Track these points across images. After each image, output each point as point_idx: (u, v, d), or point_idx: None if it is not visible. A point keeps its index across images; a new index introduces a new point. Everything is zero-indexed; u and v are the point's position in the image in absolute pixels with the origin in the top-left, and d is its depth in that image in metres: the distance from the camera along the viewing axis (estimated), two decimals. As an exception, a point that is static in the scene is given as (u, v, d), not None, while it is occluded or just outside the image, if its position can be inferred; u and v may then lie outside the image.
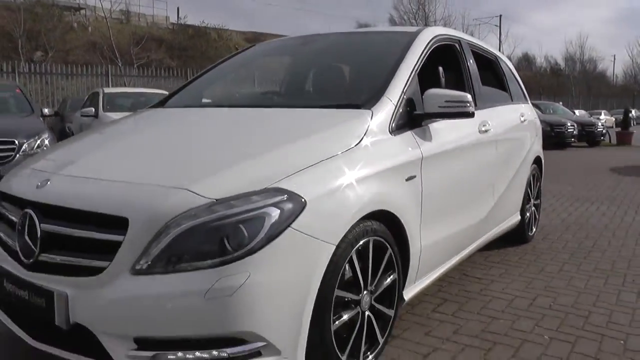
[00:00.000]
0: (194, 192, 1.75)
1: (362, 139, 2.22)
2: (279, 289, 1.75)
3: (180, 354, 1.73)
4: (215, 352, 1.73)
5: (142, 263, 1.71)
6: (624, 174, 9.39)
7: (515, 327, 2.70)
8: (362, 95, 2.56)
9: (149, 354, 1.73)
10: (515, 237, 4.24)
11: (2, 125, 6.29)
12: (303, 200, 1.82)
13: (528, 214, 4.33)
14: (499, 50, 42.86)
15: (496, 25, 45.08)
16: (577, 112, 23.71)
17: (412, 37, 3.02)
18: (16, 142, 5.97)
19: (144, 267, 1.71)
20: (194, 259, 1.70)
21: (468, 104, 2.63)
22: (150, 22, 34.20)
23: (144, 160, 2.15)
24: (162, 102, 3.33)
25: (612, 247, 4.27)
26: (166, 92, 10.42)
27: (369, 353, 2.18)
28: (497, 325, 2.72)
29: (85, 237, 1.80)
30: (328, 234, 1.87)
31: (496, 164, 3.52)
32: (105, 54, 21.89)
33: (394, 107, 2.47)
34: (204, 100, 3.24)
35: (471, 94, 3.14)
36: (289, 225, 1.76)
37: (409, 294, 2.50)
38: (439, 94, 2.61)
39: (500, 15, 45.04)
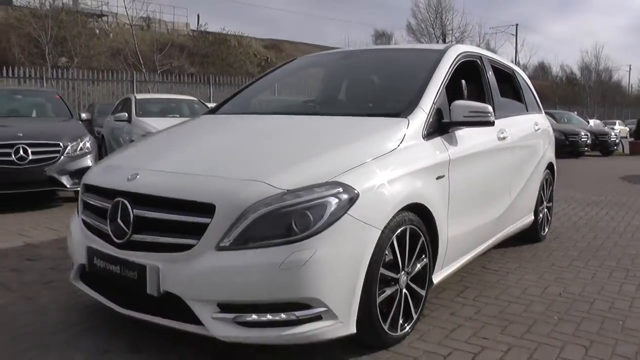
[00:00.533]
0: (268, 184, 2.18)
1: (400, 142, 2.64)
2: (338, 264, 2.16)
3: (255, 316, 2.15)
4: (284, 315, 2.15)
5: (226, 241, 2.14)
6: (634, 182, 9.69)
7: (529, 310, 3.09)
8: (399, 105, 2.98)
9: (231, 316, 2.15)
10: (529, 236, 4.62)
11: (48, 128, 6.80)
12: (356, 192, 2.24)
13: (541, 215, 4.70)
14: (515, 59, 43.13)
15: (512, 35, 45.39)
16: (591, 121, 23.90)
17: (441, 54, 3.43)
18: (61, 144, 6.42)
19: (227, 245, 2.14)
20: (269, 237, 2.12)
21: (489, 114, 3.04)
22: (171, 28, 34.96)
23: (220, 158, 2.58)
24: (215, 110, 3.77)
25: (617, 247, 4.63)
26: (194, 99, 10.90)
27: (405, 325, 2.59)
28: (512, 308, 3.11)
29: (176, 220, 2.23)
30: (375, 220, 2.28)
31: (512, 168, 3.91)
32: (128, 60, 22.51)
33: (426, 116, 2.89)
34: (257, 108, 3.68)
35: (491, 105, 3.53)
36: (345, 212, 2.18)
37: (437, 278, 2.90)
38: (464, 105, 3.02)
39: (517, 25, 45.37)
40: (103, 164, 2.93)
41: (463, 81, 3.46)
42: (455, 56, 3.45)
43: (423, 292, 2.72)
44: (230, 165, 2.44)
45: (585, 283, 3.61)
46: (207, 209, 2.16)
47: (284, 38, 39.19)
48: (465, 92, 3.45)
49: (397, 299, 2.52)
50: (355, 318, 2.26)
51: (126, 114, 9.49)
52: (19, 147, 6.01)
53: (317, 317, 2.17)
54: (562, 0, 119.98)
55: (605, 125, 24.11)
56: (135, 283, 2.29)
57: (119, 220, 2.37)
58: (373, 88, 3.53)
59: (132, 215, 2.32)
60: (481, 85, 3.82)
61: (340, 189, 2.22)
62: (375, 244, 2.28)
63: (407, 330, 2.60)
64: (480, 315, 2.98)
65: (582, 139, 16.20)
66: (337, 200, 2.19)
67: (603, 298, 3.31)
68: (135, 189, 2.38)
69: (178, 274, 2.19)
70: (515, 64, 44.41)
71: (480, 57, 3.89)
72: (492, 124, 3.09)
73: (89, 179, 2.78)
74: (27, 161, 6.03)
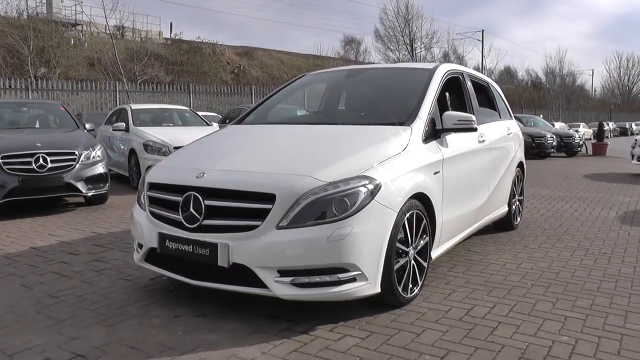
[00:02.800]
0: (315, 178, 2.86)
1: (407, 145, 3.35)
2: (368, 238, 2.85)
3: (306, 278, 2.82)
4: (328, 277, 2.82)
5: (284, 222, 2.80)
6: (595, 180, 10.66)
7: (508, 279, 3.83)
8: (403, 116, 3.69)
9: (288, 279, 2.81)
10: (504, 224, 5.39)
11: (63, 138, 7.31)
12: (379, 183, 2.93)
13: (514, 207, 5.49)
14: (482, 64, 44.51)
15: (479, 40, 46.93)
16: (556, 124, 25.10)
17: (431, 72, 4.16)
18: (76, 153, 6.93)
19: (284, 224, 2.80)
20: (317, 218, 2.80)
21: (473, 122, 3.77)
22: (144, 37, 35.12)
23: (270, 159, 3.24)
24: (241, 120, 4.43)
25: (579, 233, 5.44)
26: (186, 108, 11.39)
27: (414, 288, 3.29)
28: (494, 278, 3.84)
29: (242, 207, 2.88)
30: (393, 205, 2.98)
31: (490, 166, 4.66)
32: (108, 69, 22.76)
33: (424, 124, 3.61)
34: (283, 119, 4.34)
35: (472, 113, 4.28)
36: (372, 199, 2.87)
37: (434, 253, 3.62)
38: (453, 115, 3.75)
39: (483, 30, 46.95)
40: (162, 166, 3.56)
41: (447, 94, 4.20)
42: (443, 73, 4.19)
43: (425, 264, 3.42)
44: (282, 164, 3.11)
45: (552, 259, 4.38)
46: (269, 198, 2.83)
47: (254, 45, 39.70)
48: (449, 103, 4.19)
49: (407, 267, 3.21)
50: (380, 280, 2.95)
51: (123, 124, 9.97)
52: (39, 156, 6.53)
53: (353, 279, 2.85)
54: (525, 6, 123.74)
55: (570, 128, 25.40)
56: (207, 258, 2.92)
57: (191, 210, 3.00)
58: (379, 101, 4.25)
59: (203, 205, 2.95)
60: (463, 97, 4.56)
61: (367, 181, 2.91)
62: (393, 223, 2.98)
63: (416, 293, 3.30)
64: (469, 284, 3.70)
65: (548, 141, 17.26)
66: (365, 189, 2.88)
67: (566, 270, 4.08)
68: (204, 184, 3.02)
69: (246, 248, 2.84)
70: (482, 69, 46.04)
71: (462, 73, 4.64)
72: (475, 130, 3.83)
73: (154, 178, 3.40)
74: (46, 169, 6.54)
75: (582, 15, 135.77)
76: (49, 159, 6.58)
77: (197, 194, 2.99)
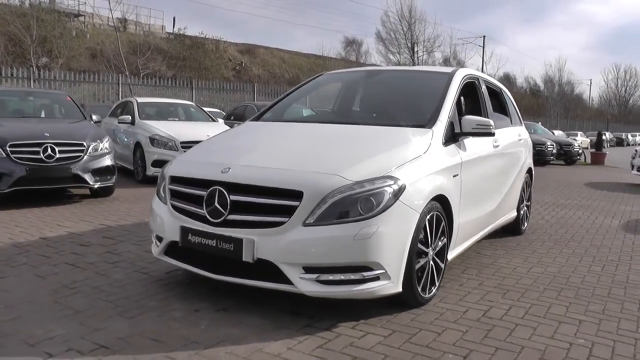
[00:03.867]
0: (342, 177, 2.89)
1: (428, 148, 3.38)
2: (392, 237, 2.89)
3: (331, 276, 2.84)
4: (352, 275, 2.85)
5: (310, 219, 2.83)
6: (596, 188, 10.76)
7: (520, 282, 3.88)
8: (423, 118, 3.73)
9: (314, 276, 2.84)
10: (512, 229, 5.44)
11: (71, 129, 7.30)
12: (404, 184, 2.97)
13: (522, 212, 5.54)
14: (483, 70, 44.58)
15: (480, 46, 47.06)
16: (555, 132, 25.24)
17: (450, 76, 4.21)
18: (85, 144, 6.91)
19: (311, 222, 2.83)
20: (344, 216, 2.83)
21: (491, 127, 3.82)
22: (147, 31, 35.03)
23: (296, 156, 3.25)
24: (259, 117, 4.45)
25: (585, 239, 5.50)
26: (191, 103, 11.39)
27: (432, 288, 3.33)
28: (507, 281, 3.89)
29: (268, 203, 2.90)
30: (416, 206, 3.02)
31: (502, 171, 4.71)
32: (110, 62, 22.71)
33: (444, 128, 3.65)
34: (303, 117, 4.37)
35: (486, 117, 4.31)
36: (397, 199, 2.91)
37: (450, 255, 3.66)
38: (473, 119, 3.79)
39: (484, 36, 47.10)
40: (183, 160, 3.58)
41: (462, 98, 4.24)
42: (462, 78, 4.23)
43: (442, 265, 3.46)
44: (307, 162, 3.13)
45: (561, 265, 4.43)
46: (297, 195, 2.85)
47: (255, 42, 39.66)
48: (464, 108, 4.23)
49: (427, 268, 3.25)
50: (402, 280, 2.98)
51: (129, 117, 9.96)
52: (47, 146, 6.51)
53: (377, 278, 2.89)
54: (527, 14, 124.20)
55: (568, 136, 25.53)
56: (231, 253, 2.94)
57: (216, 204, 3.02)
58: (398, 103, 4.28)
59: (228, 200, 2.98)
60: (478, 101, 4.61)
61: (393, 182, 2.94)
62: (416, 224, 3.01)
63: (434, 293, 3.34)
64: (483, 286, 3.75)
65: (549, 149, 17.35)
66: (391, 190, 2.91)
67: (576, 275, 4.13)
68: (230, 179, 3.04)
69: (271, 245, 2.86)
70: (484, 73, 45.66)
71: (477, 78, 4.68)
72: (493, 134, 3.88)
73: (176, 171, 3.42)
74: (54, 159, 6.51)
75: (581, 25, 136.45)
76: (57, 149, 6.55)
77: (222, 189, 3.02)
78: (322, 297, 2.91)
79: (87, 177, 6.79)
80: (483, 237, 4.63)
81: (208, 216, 3.05)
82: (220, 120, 10.57)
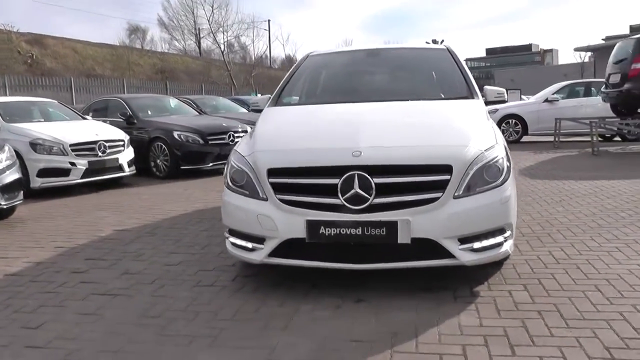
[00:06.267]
0: (476, 148, 3.01)
1: (487, 116, 3.65)
2: (514, 199, 3.12)
3: (478, 244, 2.96)
4: (496, 240, 3.00)
5: (458, 191, 2.90)
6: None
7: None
8: (463, 91, 4.03)
9: (469, 246, 2.92)
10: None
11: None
12: (504, 149, 3.19)
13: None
14: (270, 52, 45.40)
15: (266, 30, 48.16)
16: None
17: (446, 50, 4.55)
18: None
19: (460, 193, 2.91)
20: (483, 184, 2.96)
21: (504, 94, 4.25)
22: None
23: (410, 133, 3.25)
24: (274, 101, 4.24)
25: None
26: (53, 100, 9.59)
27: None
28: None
29: (418, 181, 2.88)
30: (511, 167, 3.22)
31: None
32: None
33: (482, 98, 3.97)
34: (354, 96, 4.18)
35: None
36: (509, 163, 3.15)
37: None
38: (493, 90, 4.19)
39: (269, 20, 48.51)
40: (277, 150, 3.28)
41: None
42: (453, 50, 4.58)
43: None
44: (429, 136, 3.19)
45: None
46: (446, 169, 2.89)
47: (45, 33, 34.96)
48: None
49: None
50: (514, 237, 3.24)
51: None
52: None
53: (509, 236, 3.09)
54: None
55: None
56: (384, 238, 2.84)
57: (357, 190, 2.86)
58: (423, 79, 4.45)
59: (373, 183, 2.86)
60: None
61: (501, 148, 3.15)
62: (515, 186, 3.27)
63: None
64: (522, 236, 4.23)
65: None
66: (503, 154, 3.12)
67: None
68: (371, 162, 2.89)
69: (428, 222, 2.85)
70: (270, 58, 46.98)
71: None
72: (506, 101, 4.33)
73: (276, 163, 3.11)
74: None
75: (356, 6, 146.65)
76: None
77: (363, 173, 2.88)
78: (476, 264, 3.01)
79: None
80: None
81: (347, 204, 2.88)
82: (89, 117, 9.27)
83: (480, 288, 3.13)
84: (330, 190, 2.92)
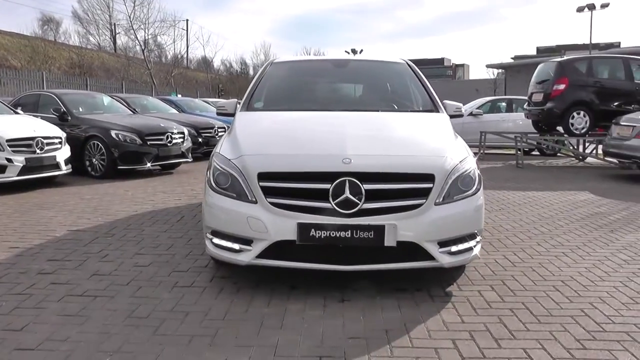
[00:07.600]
0: (453, 158, 3.27)
1: (453, 129, 3.95)
2: (483, 208, 3.40)
3: (455, 247, 3.21)
4: (467, 244, 3.27)
5: (438, 199, 3.14)
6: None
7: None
8: (428, 104, 4.34)
9: (447, 249, 3.17)
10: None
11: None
12: (475, 160, 3.49)
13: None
14: (187, 53, 44.45)
15: (183, 29, 47.13)
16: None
17: (406, 65, 4.84)
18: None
19: (439, 201, 3.15)
20: (459, 192, 3.22)
21: (462, 109, 4.58)
22: None
23: (383, 142, 3.48)
24: (246, 106, 4.30)
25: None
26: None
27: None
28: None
29: (406, 188, 3.09)
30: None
31: None
32: None
33: (444, 111, 4.27)
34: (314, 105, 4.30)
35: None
36: (477, 173, 3.43)
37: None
38: (454, 104, 4.48)
39: (188, 20, 47.58)
40: (266, 154, 3.35)
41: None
42: (413, 65, 4.88)
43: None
44: (411, 146, 3.42)
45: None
46: (429, 178, 3.11)
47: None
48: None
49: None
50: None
51: None
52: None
53: (479, 242, 3.38)
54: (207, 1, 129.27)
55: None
56: (371, 241, 3.01)
57: (348, 195, 3.01)
58: (388, 91, 4.68)
59: (363, 189, 3.02)
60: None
61: (472, 159, 3.45)
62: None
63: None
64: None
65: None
66: (474, 165, 3.41)
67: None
68: (361, 169, 3.05)
69: (413, 226, 3.05)
70: (187, 59, 46.17)
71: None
72: (462, 116, 4.66)
73: (266, 167, 3.18)
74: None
75: (263, 13, 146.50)
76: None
77: (353, 179, 3.03)
78: (454, 266, 3.27)
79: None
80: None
81: (338, 208, 3.03)
82: (20, 112, 8.73)
83: (451, 288, 3.37)
84: (321, 195, 3.05)
